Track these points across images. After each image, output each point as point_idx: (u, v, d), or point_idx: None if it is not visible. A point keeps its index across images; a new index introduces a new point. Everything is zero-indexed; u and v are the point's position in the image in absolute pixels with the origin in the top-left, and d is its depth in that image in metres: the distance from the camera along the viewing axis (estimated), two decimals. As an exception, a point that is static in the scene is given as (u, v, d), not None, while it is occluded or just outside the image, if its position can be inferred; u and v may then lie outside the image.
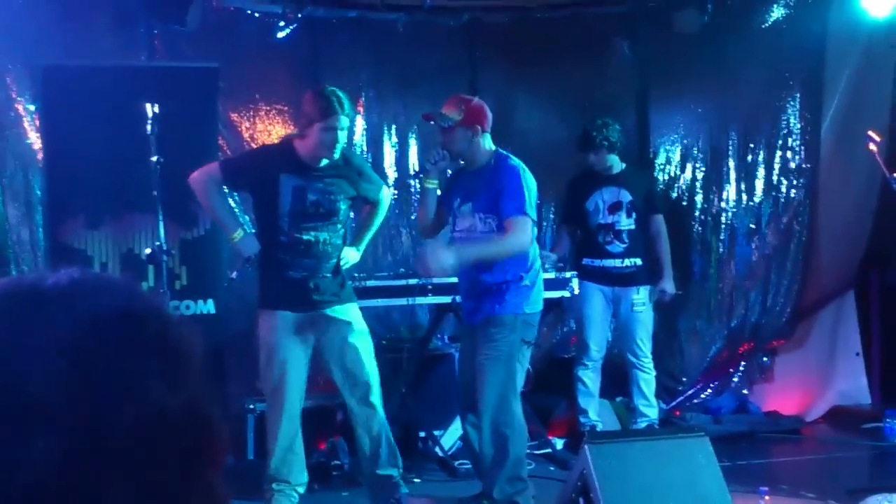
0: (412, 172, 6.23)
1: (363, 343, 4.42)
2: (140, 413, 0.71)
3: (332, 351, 4.40)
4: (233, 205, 4.82)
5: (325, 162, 4.30)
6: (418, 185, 5.99)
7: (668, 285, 5.80)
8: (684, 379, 6.72)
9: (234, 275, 4.42)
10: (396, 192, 6.21)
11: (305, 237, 4.33)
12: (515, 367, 4.29)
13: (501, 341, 4.27)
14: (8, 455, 0.68)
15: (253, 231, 4.49)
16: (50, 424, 0.68)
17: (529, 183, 4.33)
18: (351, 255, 4.52)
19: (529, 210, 4.27)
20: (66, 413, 0.69)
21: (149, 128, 4.31)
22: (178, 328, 0.79)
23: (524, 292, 4.32)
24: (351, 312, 4.43)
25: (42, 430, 0.68)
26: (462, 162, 4.49)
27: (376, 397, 4.43)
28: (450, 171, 4.66)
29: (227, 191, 4.49)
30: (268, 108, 5.94)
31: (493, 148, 4.45)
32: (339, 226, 4.41)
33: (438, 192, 4.61)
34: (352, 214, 4.66)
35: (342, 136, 4.24)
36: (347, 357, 4.38)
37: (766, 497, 4.17)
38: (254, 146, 5.75)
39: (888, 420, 5.97)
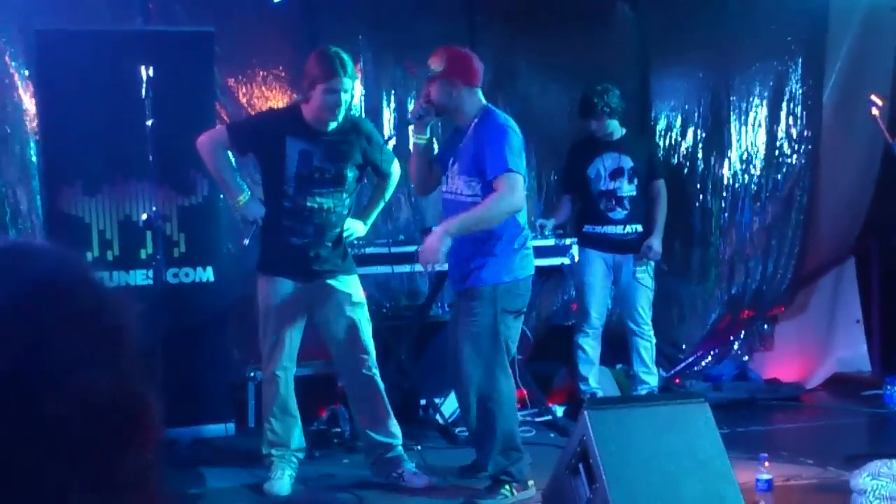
0: (394, 126, 6.08)
1: (360, 315, 4.40)
2: (70, 396, 0.68)
3: (329, 321, 4.39)
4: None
5: (332, 126, 4.25)
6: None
7: (656, 243, 5.73)
8: (684, 346, 6.72)
9: (246, 241, 4.41)
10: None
11: (309, 203, 4.29)
12: (498, 339, 4.12)
13: (480, 315, 4.12)
14: None
15: (257, 197, 4.45)
16: None
17: (514, 141, 4.07)
18: (357, 228, 4.49)
19: (516, 166, 4.02)
20: None
21: (143, 92, 4.26)
22: (111, 301, 0.75)
23: (504, 260, 4.14)
24: (350, 284, 4.41)
25: None
26: (451, 118, 4.30)
27: (372, 366, 4.41)
28: (425, 129, 4.37)
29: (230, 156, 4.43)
30: (265, 73, 5.88)
31: (483, 104, 4.21)
32: (345, 194, 4.36)
33: (434, 148, 4.44)
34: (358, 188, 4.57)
35: (345, 98, 4.19)
36: (344, 328, 4.37)
37: (766, 463, 4.17)
38: (251, 111, 5.71)
39: (888, 387, 5.98)
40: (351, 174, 4.36)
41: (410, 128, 4.54)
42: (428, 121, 4.29)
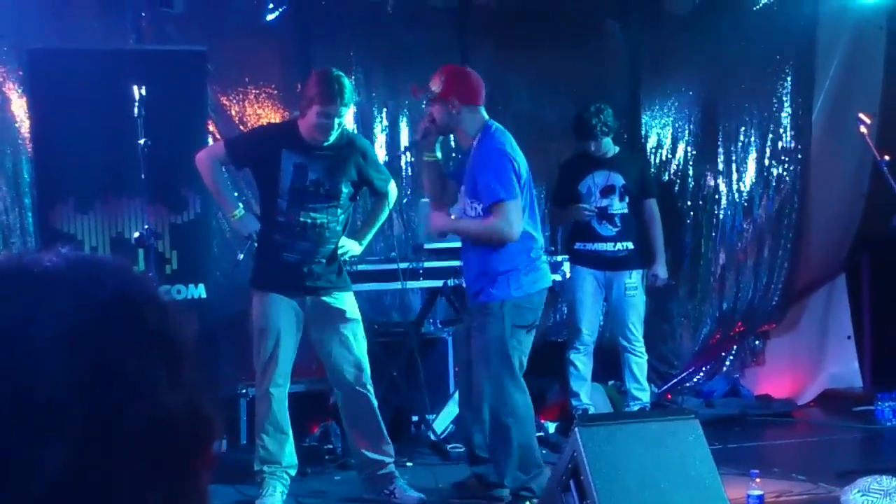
0: (402, 149, 6.17)
1: (355, 331, 4.40)
2: (149, 411, 0.68)
3: (324, 337, 4.40)
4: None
5: (328, 142, 4.29)
6: (409, 157, 5.95)
7: (661, 270, 5.80)
8: (676, 363, 6.73)
9: (240, 256, 4.43)
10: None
11: (303, 218, 4.31)
12: (508, 355, 4.17)
13: (490, 331, 4.19)
14: (23, 456, 0.65)
15: (253, 212, 4.49)
16: (62, 426, 0.65)
17: (505, 164, 4.10)
18: (352, 247, 4.50)
19: (507, 194, 4.07)
20: (79, 411, 0.66)
21: (136, 110, 4.28)
22: (176, 316, 0.75)
23: (515, 275, 4.21)
24: (345, 300, 4.42)
25: (55, 431, 0.65)
26: (455, 137, 4.42)
27: (366, 383, 4.42)
28: (433, 147, 4.43)
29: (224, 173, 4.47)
30: (257, 90, 5.91)
31: (484, 122, 4.23)
32: (339, 210, 4.38)
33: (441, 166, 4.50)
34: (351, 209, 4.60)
35: (336, 124, 4.23)
36: (337, 345, 4.37)
37: (757, 479, 4.17)
38: (243, 129, 5.73)
39: (879, 403, 5.99)
40: (345, 190, 4.38)
41: (413, 149, 4.65)
42: (433, 140, 4.34)
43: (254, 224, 4.37)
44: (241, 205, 4.46)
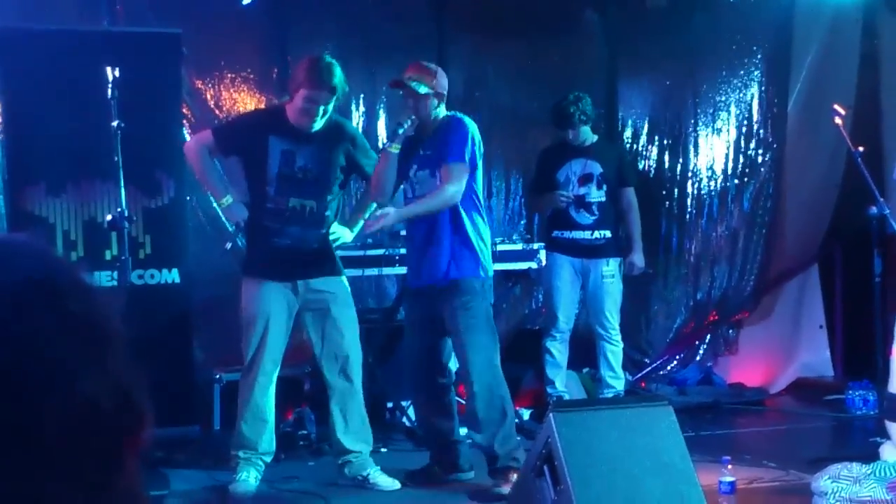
0: (381, 144, 6.16)
1: (346, 316, 4.40)
2: (68, 402, 0.65)
3: (315, 322, 4.39)
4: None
5: (316, 127, 4.26)
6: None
7: (638, 258, 5.82)
8: (650, 351, 6.77)
9: (228, 245, 4.40)
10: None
11: (291, 204, 4.30)
12: (494, 330, 4.39)
13: (477, 306, 4.30)
14: None
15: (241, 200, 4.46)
16: None
17: (472, 133, 4.30)
18: (344, 234, 4.48)
19: (465, 157, 4.27)
20: None
21: (109, 92, 4.23)
22: (100, 301, 0.72)
23: (483, 255, 4.36)
24: (337, 285, 4.40)
25: None
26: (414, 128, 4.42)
27: (354, 372, 4.41)
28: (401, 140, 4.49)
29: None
30: (233, 75, 5.86)
31: (445, 113, 4.44)
32: (329, 196, 4.36)
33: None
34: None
35: (321, 111, 4.19)
36: (329, 330, 4.37)
37: (729, 466, 4.20)
38: (218, 113, 5.69)
39: (850, 392, 6.05)
40: (334, 175, 4.36)
41: (385, 140, 4.69)
42: (409, 133, 4.38)
43: (241, 212, 4.36)
44: (230, 192, 4.43)
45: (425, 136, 4.39)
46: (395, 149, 4.38)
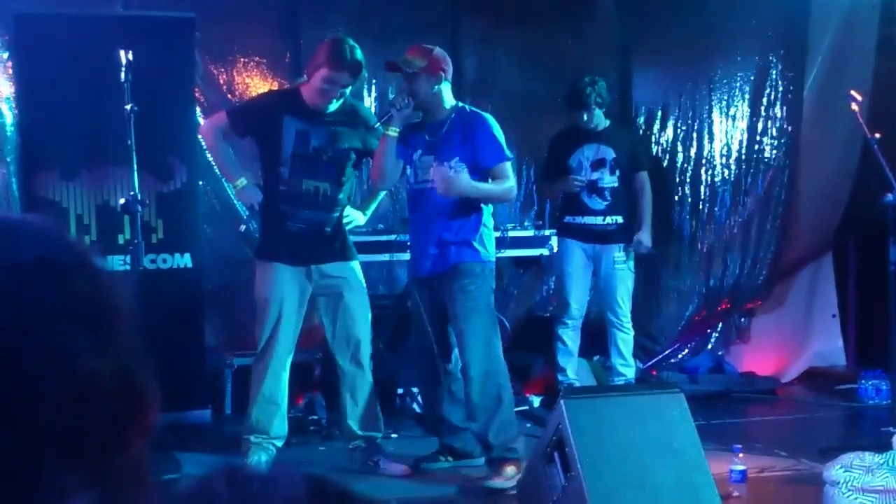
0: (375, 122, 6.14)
1: (358, 302, 4.39)
2: (69, 380, 0.65)
3: (327, 307, 4.39)
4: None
5: (331, 108, 4.25)
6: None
7: (645, 237, 5.77)
8: (661, 339, 6.75)
9: (242, 228, 4.41)
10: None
11: (305, 186, 4.30)
12: (494, 315, 4.36)
13: (477, 290, 4.26)
14: None
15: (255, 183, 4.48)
16: None
17: (498, 130, 4.37)
18: (357, 217, 4.48)
19: (508, 153, 4.40)
20: None
21: (123, 76, 4.24)
22: (108, 283, 0.72)
23: (485, 241, 4.35)
24: (350, 270, 4.40)
25: None
26: (421, 113, 4.40)
27: (365, 358, 4.41)
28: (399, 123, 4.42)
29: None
30: (245, 59, 5.85)
31: (455, 101, 4.40)
32: (343, 178, 4.36)
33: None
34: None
35: (338, 94, 4.20)
36: (341, 314, 4.37)
37: (740, 454, 4.20)
38: (231, 98, 5.69)
39: (862, 381, 6.03)
40: (347, 157, 4.36)
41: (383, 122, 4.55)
42: (406, 114, 4.34)
43: (256, 194, 4.37)
44: (244, 175, 4.44)
45: (430, 121, 4.35)
46: (394, 132, 4.33)
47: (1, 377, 0.64)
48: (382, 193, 4.62)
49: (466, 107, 4.42)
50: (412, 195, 4.46)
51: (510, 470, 4.23)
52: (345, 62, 4.13)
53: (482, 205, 4.36)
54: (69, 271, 0.69)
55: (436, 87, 4.28)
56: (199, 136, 4.42)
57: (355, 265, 4.44)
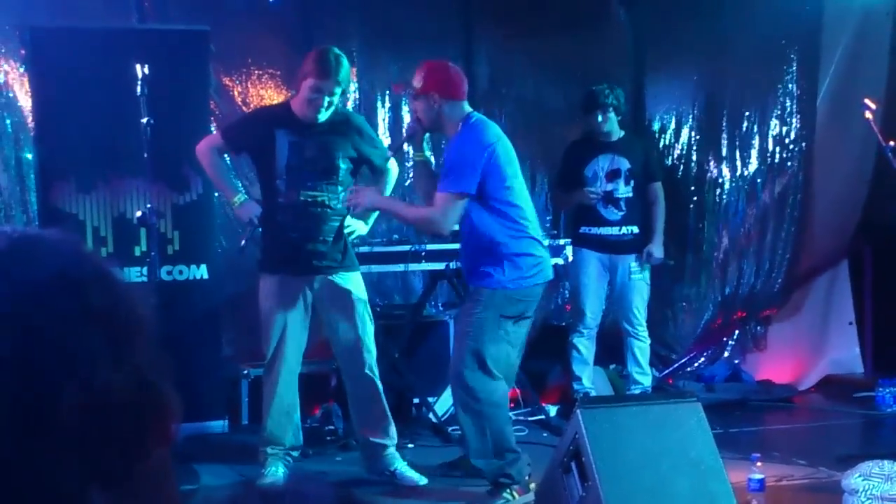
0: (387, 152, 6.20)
1: (361, 313, 4.40)
2: (86, 391, 0.67)
3: (330, 317, 4.40)
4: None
5: (322, 118, 4.28)
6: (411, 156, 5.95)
7: (657, 249, 5.77)
8: (677, 347, 6.73)
9: (243, 242, 4.41)
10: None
11: (303, 197, 4.31)
12: (487, 345, 4.06)
13: (475, 316, 4.11)
14: None
15: (254, 197, 4.50)
16: None
17: (480, 154, 4.01)
18: (358, 226, 4.49)
19: (458, 185, 4.00)
20: (10, 393, 0.64)
21: (139, 89, 4.27)
22: (126, 295, 0.73)
23: (510, 267, 4.11)
24: (352, 280, 4.41)
25: None
26: (443, 133, 4.35)
27: (371, 367, 4.42)
28: (421, 146, 4.42)
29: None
30: (260, 71, 5.88)
31: (464, 115, 4.13)
32: (340, 188, 4.37)
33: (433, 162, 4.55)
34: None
35: (327, 102, 4.21)
36: (344, 326, 4.37)
37: (758, 463, 4.18)
38: (245, 110, 5.71)
39: (880, 389, 6.00)
40: (343, 166, 4.37)
41: (393, 150, 4.65)
42: (420, 138, 4.33)
43: (254, 209, 4.38)
44: (241, 191, 4.48)
45: (448, 141, 4.30)
46: (420, 156, 4.38)
47: (22, 389, 0.65)
48: None
49: (470, 123, 4.12)
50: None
51: (506, 494, 4.14)
52: (330, 71, 4.16)
53: (503, 228, 4.09)
54: (87, 285, 0.70)
55: (435, 106, 4.12)
56: (197, 156, 4.41)
57: (357, 275, 4.45)
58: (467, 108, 4.20)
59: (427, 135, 4.39)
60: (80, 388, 0.66)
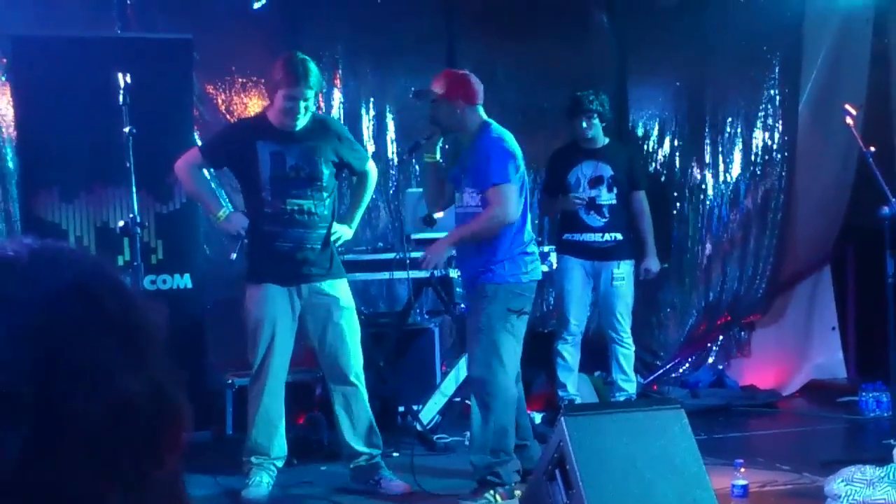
0: (394, 145, 6.21)
1: (348, 320, 4.40)
2: (106, 402, 0.68)
3: (317, 326, 4.39)
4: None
5: (300, 126, 4.28)
6: (414, 163, 5.98)
7: (653, 263, 5.81)
8: (662, 353, 6.75)
9: (233, 256, 4.39)
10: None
11: (289, 206, 4.31)
12: (499, 337, 4.25)
13: (483, 312, 4.27)
14: None
15: (238, 210, 4.49)
16: (17, 416, 0.65)
17: (502, 153, 4.27)
18: (344, 232, 4.50)
19: (502, 178, 4.23)
20: (33, 404, 0.66)
21: (121, 98, 4.25)
22: (142, 306, 0.75)
23: (509, 264, 4.30)
24: (339, 288, 4.41)
25: (9, 422, 0.65)
26: (457, 136, 4.51)
27: (357, 376, 4.42)
28: (434, 149, 4.55)
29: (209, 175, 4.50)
30: (244, 80, 5.88)
31: (482, 120, 4.39)
32: (325, 194, 4.37)
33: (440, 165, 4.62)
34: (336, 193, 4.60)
35: (303, 107, 4.22)
36: (331, 333, 4.37)
37: (742, 469, 4.19)
38: (229, 118, 5.71)
39: (863, 394, 6.02)
40: (327, 171, 4.38)
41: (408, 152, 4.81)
42: (435, 141, 4.45)
43: (240, 221, 4.37)
44: (225, 205, 4.48)
45: (465, 143, 4.44)
46: (430, 158, 4.49)
47: (40, 398, 0.66)
48: (365, 204, 4.65)
49: (488, 126, 4.35)
50: (457, 219, 4.53)
51: (488, 495, 4.19)
52: (298, 77, 4.17)
53: (519, 228, 4.32)
54: (105, 295, 0.72)
55: (458, 111, 4.33)
56: (176, 173, 4.42)
57: (344, 282, 4.46)
58: (482, 113, 4.44)
59: (441, 139, 4.51)
60: (100, 396, 0.68)
